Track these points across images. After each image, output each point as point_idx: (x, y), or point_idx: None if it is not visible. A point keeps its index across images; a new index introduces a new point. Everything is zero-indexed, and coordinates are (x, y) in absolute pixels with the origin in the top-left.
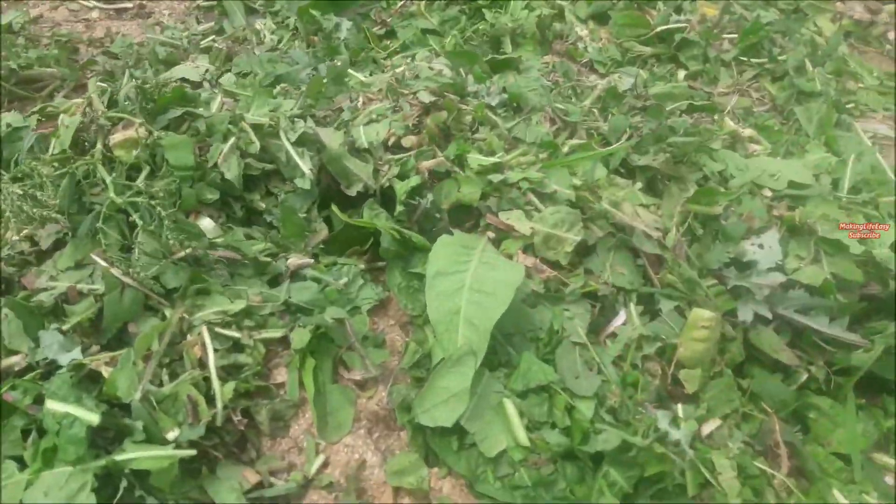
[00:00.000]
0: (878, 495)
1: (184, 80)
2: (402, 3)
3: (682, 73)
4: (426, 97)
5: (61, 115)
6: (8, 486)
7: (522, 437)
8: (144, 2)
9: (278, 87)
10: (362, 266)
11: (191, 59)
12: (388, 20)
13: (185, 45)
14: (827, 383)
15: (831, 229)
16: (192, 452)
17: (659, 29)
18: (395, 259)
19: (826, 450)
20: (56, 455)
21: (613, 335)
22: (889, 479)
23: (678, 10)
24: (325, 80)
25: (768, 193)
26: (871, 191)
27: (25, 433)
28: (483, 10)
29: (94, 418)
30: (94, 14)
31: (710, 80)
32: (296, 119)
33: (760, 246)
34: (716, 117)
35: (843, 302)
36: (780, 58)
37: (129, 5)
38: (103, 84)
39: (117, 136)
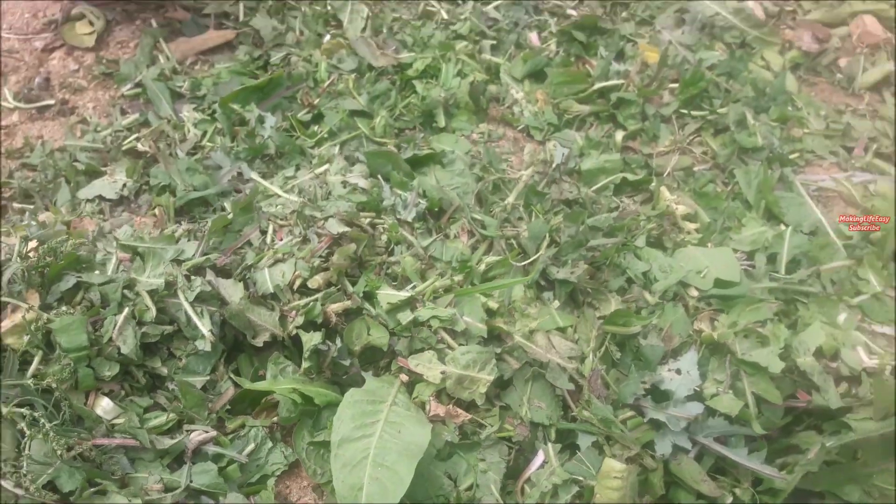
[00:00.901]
0: None
1: (101, 197)
2: (329, 80)
3: (620, 134)
4: (336, 228)
5: None
6: None
7: None
8: (67, 96)
9: (181, 229)
10: (275, 419)
11: (109, 172)
12: (316, 101)
13: (108, 145)
14: None
15: (751, 346)
16: None
17: (597, 86)
18: (303, 417)
19: None
20: None
21: (531, 481)
22: None
23: (620, 56)
24: (229, 216)
25: (695, 293)
26: (812, 262)
27: None
28: (413, 81)
29: None
30: (15, 117)
31: (649, 139)
32: (193, 277)
33: (678, 371)
34: (652, 186)
35: (762, 432)
36: (720, 111)
37: (51, 102)
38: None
39: (5, 324)
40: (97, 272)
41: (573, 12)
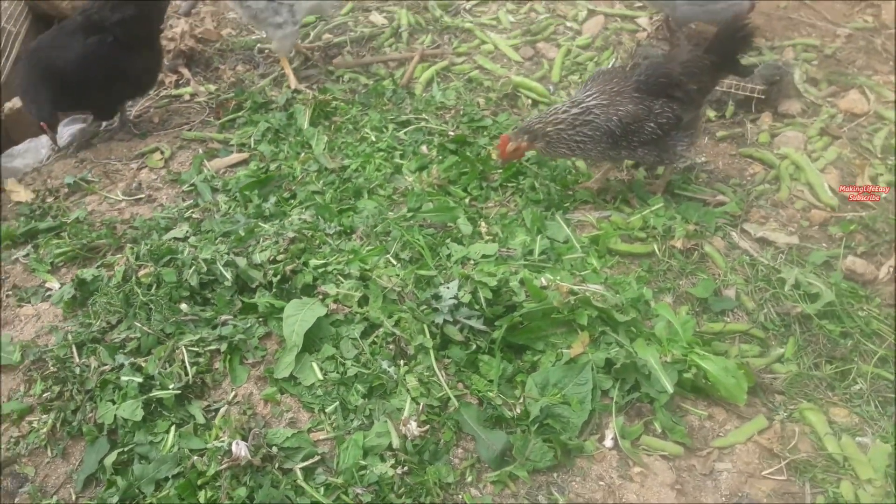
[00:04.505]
0: None
1: (175, 238)
2: (300, 176)
3: (468, 199)
4: (290, 235)
5: (116, 267)
6: None
7: (319, 374)
8: (151, 193)
9: (219, 239)
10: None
11: (178, 227)
12: (293, 188)
13: (176, 216)
14: (489, 352)
15: (483, 276)
16: None
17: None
18: (272, 314)
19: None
20: None
21: None
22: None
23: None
24: (242, 233)
25: (471, 260)
26: (557, 254)
27: None
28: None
29: None
30: (123, 204)
31: (484, 199)
32: (226, 254)
33: (447, 287)
34: (480, 223)
35: (482, 311)
36: (523, 182)
37: (143, 196)
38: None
39: (141, 273)
40: (180, 255)
41: (451, 133)
